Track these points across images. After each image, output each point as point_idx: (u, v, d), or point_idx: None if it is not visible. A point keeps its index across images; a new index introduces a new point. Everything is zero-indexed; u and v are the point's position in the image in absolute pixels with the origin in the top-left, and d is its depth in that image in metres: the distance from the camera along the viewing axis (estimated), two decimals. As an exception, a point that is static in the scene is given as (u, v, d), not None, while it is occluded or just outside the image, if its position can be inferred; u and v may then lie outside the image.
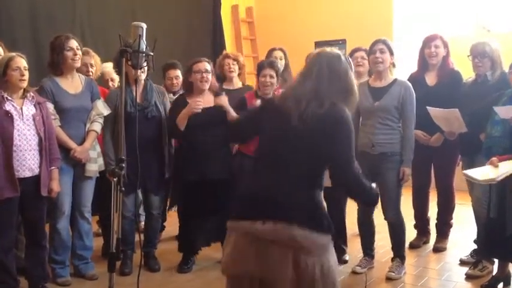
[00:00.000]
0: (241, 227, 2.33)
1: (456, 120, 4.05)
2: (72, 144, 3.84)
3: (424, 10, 7.61)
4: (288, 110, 2.33)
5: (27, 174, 3.50)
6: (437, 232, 4.76)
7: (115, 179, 2.72)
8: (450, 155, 4.44)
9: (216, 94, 4.16)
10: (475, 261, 4.12)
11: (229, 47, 8.02)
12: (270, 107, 2.49)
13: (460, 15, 7.59)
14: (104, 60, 4.67)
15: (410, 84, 3.98)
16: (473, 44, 4.16)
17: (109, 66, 4.70)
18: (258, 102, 3.92)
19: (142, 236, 4.10)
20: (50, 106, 3.77)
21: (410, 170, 3.93)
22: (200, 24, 7.80)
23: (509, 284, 3.82)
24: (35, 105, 3.57)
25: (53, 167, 3.64)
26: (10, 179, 3.41)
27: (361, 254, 4.28)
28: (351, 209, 4.46)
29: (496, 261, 3.91)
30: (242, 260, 2.31)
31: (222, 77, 4.78)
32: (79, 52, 3.89)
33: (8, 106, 3.45)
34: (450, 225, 4.76)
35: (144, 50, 2.79)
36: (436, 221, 4.76)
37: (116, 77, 4.72)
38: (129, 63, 2.81)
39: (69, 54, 3.84)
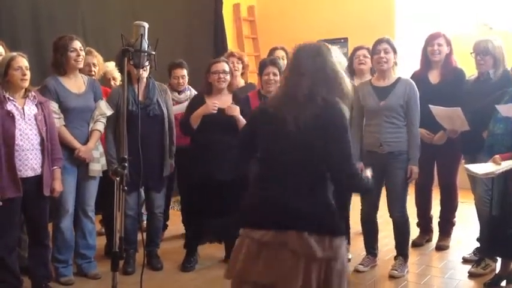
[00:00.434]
0: (254, 236, 2.32)
1: (458, 119, 4.05)
2: (76, 143, 3.85)
3: (425, 8, 7.59)
4: (281, 115, 2.30)
5: (30, 174, 3.51)
6: (440, 230, 4.76)
7: (117, 178, 2.72)
8: (453, 153, 4.43)
9: (234, 95, 4.16)
10: (478, 259, 4.11)
11: (231, 46, 8.01)
12: (263, 115, 2.44)
13: (462, 13, 7.57)
14: (105, 60, 4.67)
15: (413, 83, 3.98)
16: (476, 42, 4.15)
17: (111, 65, 4.71)
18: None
19: (144, 235, 4.10)
20: (55, 105, 3.77)
21: (417, 168, 3.93)
22: (202, 23, 7.79)
23: (513, 282, 3.82)
24: (36, 105, 3.57)
25: (55, 167, 3.64)
26: (12, 178, 3.42)
27: (364, 253, 4.28)
28: (354, 207, 4.46)
29: (499, 259, 3.91)
30: (253, 269, 2.31)
31: None
32: (82, 53, 3.90)
33: (9, 106, 3.45)
34: (453, 224, 4.75)
35: (146, 49, 2.79)
36: (438, 219, 4.76)
37: (118, 76, 4.72)
38: (131, 62, 2.81)
39: (73, 55, 3.84)
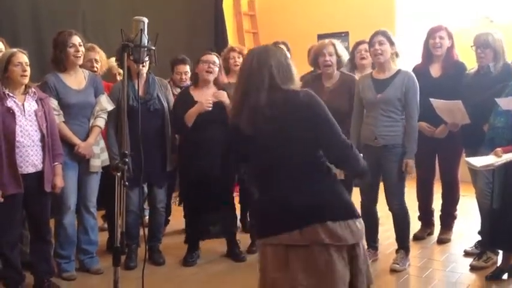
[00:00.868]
0: (277, 242, 2.29)
1: (459, 112, 4.04)
2: (76, 140, 3.85)
3: (426, 2, 7.57)
4: (249, 123, 2.29)
5: (31, 170, 3.51)
6: (441, 224, 4.76)
7: (119, 174, 2.72)
8: (454, 147, 4.42)
9: (221, 89, 4.15)
10: (480, 252, 4.12)
11: (232, 41, 8.00)
12: (237, 130, 2.39)
13: (463, 6, 7.55)
14: (106, 56, 4.66)
15: (413, 75, 3.97)
16: (477, 35, 4.14)
17: (115, 61, 4.70)
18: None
19: (146, 230, 4.11)
20: (54, 102, 3.77)
21: (413, 162, 3.92)
22: (202, 17, 7.78)
23: (514, 274, 3.82)
24: (36, 101, 3.57)
25: (56, 163, 3.64)
26: (13, 175, 3.42)
27: (365, 247, 4.27)
28: (354, 201, 4.46)
29: (501, 252, 3.91)
30: (286, 277, 2.27)
31: (225, 70, 4.76)
32: (81, 48, 3.89)
33: (9, 103, 3.45)
34: (454, 217, 4.75)
35: (146, 44, 2.79)
36: (440, 213, 4.76)
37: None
38: (131, 57, 2.81)
39: (72, 50, 3.83)
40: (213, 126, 3.92)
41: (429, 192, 4.76)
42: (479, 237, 4.31)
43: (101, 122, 3.98)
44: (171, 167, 4.23)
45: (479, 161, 3.55)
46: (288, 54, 5.08)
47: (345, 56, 4.25)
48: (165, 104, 4.17)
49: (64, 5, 5.94)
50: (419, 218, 4.83)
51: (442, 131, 4.32)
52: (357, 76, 4.37)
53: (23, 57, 3.50)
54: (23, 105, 3.50)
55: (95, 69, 4.35)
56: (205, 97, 4.03)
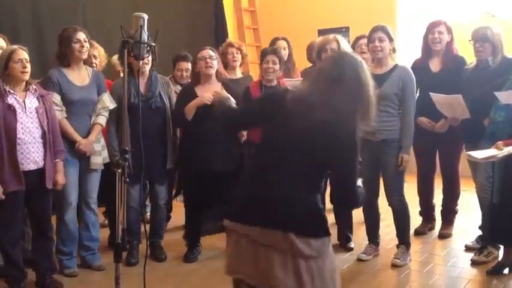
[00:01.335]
0: (240, 230, 2.29)
1: (459, 106, 4.03)
2: (77, 136, 3.85)
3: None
4: (299, 113, 2.24)
5: (32, 167, 3.51)
6: (442, 218, 4.76)
7: (119, 170, 2.73)
8: (455, 142, 4.42)
9: (224, 84, 4.16)
10: (481, 247, 4.12)
11: (232, 36, 7.99)
12: (278, 104, 2.34)
13: (465, 1, 7.53)
14: (106, 52, 4.66)
15: (410, 70, 3.97)
16: (475, 29, 4.14)
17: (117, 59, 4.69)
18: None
19: (147, 226, 4.11)
20: (57, 97, 3.78)
21: (408, 157, 3.93)
22: (202, 13, 7.78)
23: (515, 269, 3.83)
24: (37, 98, 3.57)
25: (57, 160, 3.65)
26: (15, 172, 3.42)
27: (366, 242, 4.29)
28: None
29: (502, 246, 3.91)
30: (242, 266, 2.30)
31: (223, 65, 4.75)
32: (86, 44, 3.89)
33: (10, 99, 3.45)
34: (455, 212, 4.76)
35: (146, 40, 2.79)
36: (441, 208, 4.76)
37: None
38: (131, 54, 2.81)
39: (77, 46, 3.84)
40: (213, 120, 3.92)
41: (430, 187, 4.77)
42: (480, 232, 4.32)
43: (102, 120, 3.98)
44: (171, 165, 4.23)
45: (480, 154, 3.55)
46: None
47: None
48: (167, 102, 4.17)
49: (64, 2, 5.95)
50: (421, 213, 4.84)
51: (442, 126, 4.32)
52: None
53: (23, 54, 3.50)
54: (24, 102, 3.50)
55: (94, 65, 4.35)
56: (206, 93, 4.03)
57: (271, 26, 7.91)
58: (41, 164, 3.54)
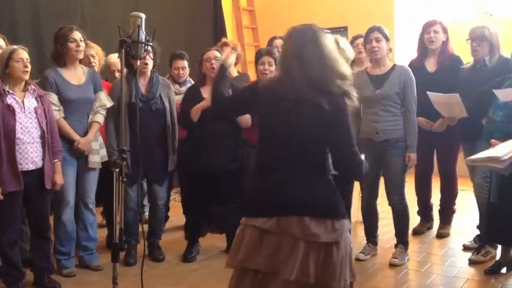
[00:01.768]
0: (255, 224, 2.31)
1: (457, 105, 4.04)
2: (75, 135, 3.85)
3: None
4: (285, 104, 2.28)
5: (31, 167, 3.51)
6: (440, 218, 4.77)
7: (117, 170, 2.73)
8: (452, 141, 4.43)
9: (230, 85, 4.15)
10: (478, 246, 4.13)
11: (231, 36, 7.99)
12: (265, 100, 2.39)
13: (462, 1, 7.54)
14: (104, 52, 4.66)
15: (409, 69, 3.98)
16: (472, 28, 4.14)
17: (114, 58, 4.69)
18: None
19: (146, 226, 4.12)
20: (54, 97, 3.78)
21: (415, 156, 3.94)
22: (201, 13, 7.77)
23: (513, 268, 3.84)
24: (36, 98, 3.57)
25: (56, 160, 3.65)
26: (13, 172, 3.42)
27: (364, 241, 4.29)
28: (355, 196, 4.47)
29: (499, 246, 3.92)
30: (255, 257, 2.30)
31: None
32: (82, 44, 3.89)
33: (9, 100, 3.45)
34: (453, 211, 4.76)
35: (144, 40, 2.79)
36: (439, 207, 4.77)
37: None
38: (129, 54, 2.81)
39: (72, 45, 3.84)
40: (217, 120, 3.93)
41: (428, 186, 4.78)
42: (478, 232, 4.32)
43: (100, 118, 3.98)
44: (172, 167, 4.23)
45: (480, 154, 3.49)
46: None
47: (350, 52, 4.23)
48: (167, 104, 4.18)
49: (64, 2, 5.94)
50: (419, 213, 4.84)
51: (440, 125, 4.32)
52: (354, 71, 4.36)
53: (24, 54, 3.51)
54: (23, 102, 3.50)
55: (93, 64, 4.35)
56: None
57: (270, 25, 7.91)
58: (39, 164, 3.54)
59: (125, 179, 2.76)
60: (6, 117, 3.41)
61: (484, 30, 4.05)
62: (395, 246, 4.14)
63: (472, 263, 4.01)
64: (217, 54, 4.14)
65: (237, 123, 4.05)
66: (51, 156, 3.60)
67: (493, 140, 3.46)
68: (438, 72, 4.38)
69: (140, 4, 6.48)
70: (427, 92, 4.08)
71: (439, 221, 4.78)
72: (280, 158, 2.33)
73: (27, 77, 3.52)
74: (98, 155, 3.98)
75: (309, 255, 2.25)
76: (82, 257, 4.06)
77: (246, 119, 4.02)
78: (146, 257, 3.99)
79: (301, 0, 8.18)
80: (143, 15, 2.81)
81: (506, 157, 3.21)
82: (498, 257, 3.92)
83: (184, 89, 4.74)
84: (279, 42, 5.10)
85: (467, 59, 4.39)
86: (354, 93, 2.33)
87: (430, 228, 4.84)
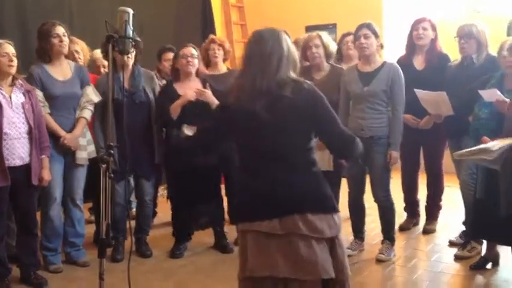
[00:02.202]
0: (258, 229, 2.29)
1: (443, 103, 4.06)
2: (61, 131, 3.83)
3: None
4: (254, 109, 2.25)
5: (18, 162, 3.49)
6: (426, 214, 4.80)
7: (103, 165, 2.72)
8: (439, 138, 4.45)
9: (203, 82, 4.16)
10: (464, 242, 4.16)
11: (219, 32, 7.98)
12: (230, 109, 2.39)
13: (450, -1, 7.59)
14: (92, 47, 4.64)
15: (398, 67, 4.00)
16: (460, 26, 4.16)
17: (100, 53, 4.66)
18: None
19: (132, 222, 4.11)
20: (39, 93, 3.75)
21: (397, 153, 3.96)
22: (190, 9, 7.75)
23: (498, 264, 3.87)
24: (23, 94, 3.55)
25: (43, 156, 3.63)
26: (0, 168, 3.40)
27: (351, 237, 4.31)
28: (342, 192, 4.49)
29: (485, 241, 3.95)
30: (266, 262, 2.27)
31: (205, 61, 4.73)
32: (65, 38, 3.87)
33: (-4, 94, 3.43)
34: (439, 207, 4.80)
35: (131, 35, 2.78)
36: (425, 204, 4.80)
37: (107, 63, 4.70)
38: (116, 49, 2.80)
39: (56, 41, 3.82)
40: (198, 119, 3.92)
41: (414, 183, 4.81)
42: (463, 228, 4.35)
43: (87, 114, 3.96)
44: (159, 159, 4.22)
45: (470, 149, 3.52)
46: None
47: (333, 47, 4.27)
48: (151, 96, 4.17)
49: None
50: (405, 209, 4.87)
51: (427, 122, 4.33)
52: (344, 67, 4.39)
53: (9, 48, 3.49)
54: (10, 97, 3.48)
55: (78, 60, 4.33)
56: (189, 90, 4.03)
57: (259, 22, 7.82)
58: (26, 159, 3.53)
59: (112, 175, 2.75)
60: (-8, 112, 3.38)
61: (471, 28, 4.07)
62: (382, 242, 4.17)
63: (457, 258, 4.04)
64: (194, 51, 4.14)
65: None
66: (39, 152, 3.58)
67: (484, 137, 3.49)
68: (426, 70, 4.40)
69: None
70: (414, 89, 4.10)
71: (425, 217, 4.81)
72: (269, 160, 2.31)
73: (13, 71, 3.50)
74: (85, 151, 3.96)
75: (322, 250, 2.27)
76: (69, 253, 4.05)
77: None
78: (134, 253, 3.99)
79: (290, -4, 8.19)
80: (131, 10, 2.79)
81: (495, 148, 3.25)
82: (483, 252, 3.96)
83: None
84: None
85: (455, 57, 4.40)
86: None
87: (416, 224, 4.87)
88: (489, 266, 3.86)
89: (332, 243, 2.32)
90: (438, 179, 4.69)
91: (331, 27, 7.46)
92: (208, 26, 7.91)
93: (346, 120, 4.02)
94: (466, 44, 4.10)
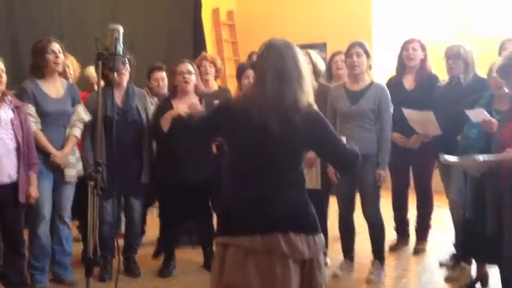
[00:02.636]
0: (239, 243, 2.28)
1: (430, 123, 4.08)
2: (51, 149, 3.80)
3: (403, 15, 7.69)
4: (264, 121, 2.26)
5: (5, 180, 3.46)
6: (416, 234, 4.79)
7: (91, 183, 2.70)
8: (427, 157, 4.46)
9: (201, 97, 4.16)
10: (454, 262, 4.15)
11: (210, 50, 8.02)
12: (230, 111, 2.41)
13: (440, 20, 7.66)
14: (82, 62, 4.63)
15: (385, 87, 4.02)
16: (448, 47, 4.22)
17: (93, 70, 4.66)
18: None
19: (121, 240, 4.06)
20: (32, 109, 3.73)
21: (385, 173, 3.96)
22: (181, 27, 7.79)
23: (487, 284, 3.86)
24: (12, 110, 3.53)
25: (31, 172, 3.59)
26: (-13, 186, 3.37)
27: (341, 257, 4.29)
28: (331, 211, 4.48)
29: (474, 261, 3.94)
30: (242, 279, 2.26)
31: None
32: (61, 55, 3.87)
33: (-16, 110, 3.41)
34: (429, 227, 4.79)
35: (121, 52, 2.78)
36: (415, 224, 4.80)
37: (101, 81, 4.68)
38: (106, 66, 2.79)
39: (51, 57, 3.81)
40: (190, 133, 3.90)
41: (404, 202, 4.81)
42: (453, 248, 4.34)
43: (77, 132, 3.94)
44: (146, 179, 4.19)
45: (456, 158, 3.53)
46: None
47: (321, 65, 4.28)
48: (144, 116, 4.16)
49: (41, 12, 5.90)
50: (395, 229, 4.87)
51: (415, 141, 4.35)
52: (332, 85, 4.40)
53: None
54: (-1, 113, 3.46)
55: (68, 75, 4.31)
56: (185, 105, 4.02)
57: (250, 40, 7.93)
58: (14, 177, 3.50)
59: (99, 192, 2.72)
60: (-20, 128, 3.36)
61: (459, 49, 4.13)
62: (372, 262, 4.15)
63: (447, 279, 4.03)
64: (190, 68, 4.14)
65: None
66: (27, 168, 3.55)
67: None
68: (416, 90, 4.44)
69: (119, 15, 6.47)
70: (403, 109, 4.13)
71: (415, 237, 4.81)
72: (261, 174, 2.31)
73: (2, 87, 3.48)
74: (74, 169, 3.93)
75: (298, 271, 2.26)
76: (56, 272, 3.99)
77: None
78: (122, 273, 3.94)
79: (280, 15, 8.25)
80: (121, 28, 2.80)
81: (482, 159, 3.26)
82: (473, 271, 3.94)
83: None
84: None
85: (443, 78, 4.45)
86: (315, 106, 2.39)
87: (406, 243, 4.86)
88: (478, 286, 3.84)
89: (310, 265, 2.31)
90: (427, 198, 4.69)
91: (321, 46, 7.51)
92: (199, 43, 7.95)
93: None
94: (454, 65, 4.15)
